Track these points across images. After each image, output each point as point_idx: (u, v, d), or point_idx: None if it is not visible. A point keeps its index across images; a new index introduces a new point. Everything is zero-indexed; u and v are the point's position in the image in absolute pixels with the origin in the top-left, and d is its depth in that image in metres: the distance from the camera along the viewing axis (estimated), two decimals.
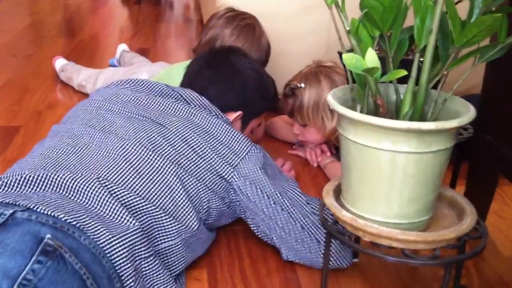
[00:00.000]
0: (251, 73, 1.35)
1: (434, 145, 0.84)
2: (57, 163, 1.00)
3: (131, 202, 0.97)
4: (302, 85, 1.52)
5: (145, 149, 1.07)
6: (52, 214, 0.83)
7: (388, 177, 0.86)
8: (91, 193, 0.94)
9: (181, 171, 1.08)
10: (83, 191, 0.94)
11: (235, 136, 1.16)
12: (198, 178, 1.10)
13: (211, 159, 1.12)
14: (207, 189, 1.11)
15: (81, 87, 2.12)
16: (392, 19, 0.89)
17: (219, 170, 1.12)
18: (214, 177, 1.12)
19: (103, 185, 0.96)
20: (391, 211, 0.89)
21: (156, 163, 1.06)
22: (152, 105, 1.21)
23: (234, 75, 1.33)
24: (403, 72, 0.82)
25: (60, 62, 2.31)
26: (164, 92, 1.26)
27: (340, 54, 1.26)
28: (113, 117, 1.16)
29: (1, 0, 4.03)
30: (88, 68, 2.22)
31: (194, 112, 1.19)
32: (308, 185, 1.52)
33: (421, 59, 0.90)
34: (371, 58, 0.84)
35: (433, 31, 0.86)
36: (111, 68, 2.09)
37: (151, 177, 1.04)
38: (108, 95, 1.24)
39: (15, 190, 0.93)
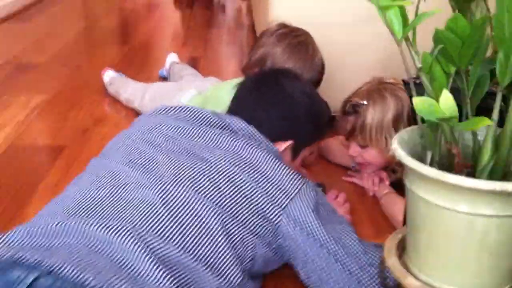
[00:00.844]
0: (304, 98, 1.23)
1: None
2: (90, 208, 0.92)
3: (168, 254, 0.87)
4: (365, 102, 1.39)
5: (185, 190, 0.97)
6: (79, 278, 0.74)
7: (464, 243, 0.74)
8: (125, 245, 0.85)
9: (224, 215, 0.97)
10: (116, 242, 0.86)
11: (285, 173, 1.05)
12: (243, 223, 0.99)
13: (258, 199, 1.01)
14: (252, 235, 1.00)
15: (129, 101, 2.05)
16: (472, 55, 0.76)
17: (266, 212, 1.01)
18: (260, 220, 1.01)
19: (139, 235, 0.87)
20: (465, 281, 0.76)
21: (197, 206, 0.96)
22: (196, 136, 1.11)
23: (285, 101, 1.22)
24: (486, 121, 0.69)
25: (109, 75, 2.25)
26: (210, 121, 1.16)
27: (404, 83, 1.13)
28: (153, 152, 1.07)
29: (55, 3, 4.06)
30: (136, 82, 2.16)
31: (241, 144, 1.08)
32: (364, 219, 1.39)
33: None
34: (448, 104, 0.71)
35: None
36: (159, 83, 2.02)
37: (190, 224, 0.94)
38: (150, 125, 1.15)
39: (44, 240, 0.86)
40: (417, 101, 0.71)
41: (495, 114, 0.77)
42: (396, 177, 1.45)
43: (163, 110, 1.21)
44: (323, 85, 1.55)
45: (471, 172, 0.81)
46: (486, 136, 0.77)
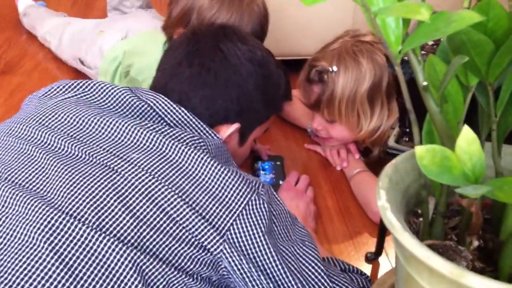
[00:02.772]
0: (252, 67, 0.93)
1: None
2: None
3: None
4: (335, 68, 1.09)
5: (83, 225, 0.69)
6: None
7: None
8: None
9: (142, 255, 0.70)
10: None
11: (227, 181, 0.78)
12: (169, 260, 0.72)
13: (191, 222, 0.74)
14: (183, 274, 0.74)
15: (45, 41, 1.68)
16: (509, 62, 0.47)
17: (202, 240, 0.74)
18: (194, 251, 0.74)
19: None
20: None
21: (101, 249, 0.68)
22: (104, 132, 0.81)
23: (227, 73, 0.91)
24: None
25: (24, 3, 1.85)
26: (126, 105, 0.86)
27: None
28: (42, 160, 0.77)
29: None
30: (56, 15, 1.77)
31: (167, 142, 0.79)
32: (330, 204, 1.14)
33: None
34: (471, 151, 0.43)
35: None
36: (79, 21, 1.65)
37: (92, 276, 0.67)
38: (41, 114, 0.84)
39: None
40: (422, 152, 0.43)
41: None
42: (370, 158, 1.18)
43: (61, 89, 0.89)
44: (279, 25, 1.24)
45: (491, 221, 0.55)
46: None
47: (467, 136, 0.44)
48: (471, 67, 0.47)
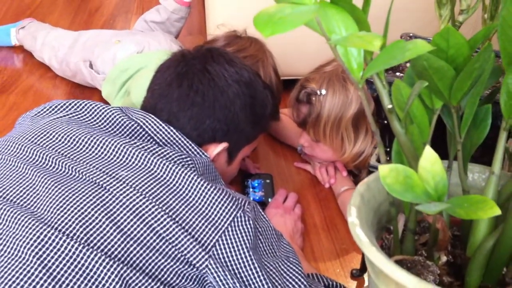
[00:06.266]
0: (239, 88, 0.96)
1: None
2: None
3: None
4: (323, 91, 1.12)
5: (71, 240, 0.71)
6: None
7: None
8: None
9: (129, 270, 0.72)
10: None
11: (214, 198, 0.80)
12: (156, 276, 0.74)
13: (177, 239, 0.76)
14: None
15: (52, 48, 1.64)
16: (470, 86, 0.50)
17: (188, 256, 0.76)
18: (180, 266, 0.76)
19: None
20: None
21: (89, 263, 0.70)
22: (94, 150, 0.84)
23: (214, 94, 0.94)
24: (494, 210, 0.45)
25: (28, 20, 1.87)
26: (116, 124, 0.89)
27: (367, 81, 0.86)
28: (32, 177, 0.80)
29: None
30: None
31: (155, 160, 0.82)
32: (315, 216, 1.16)
33: None
34: (434, 171, 0.46)
35: None
36: (95, 30, 1.66)
37: None
38: (33, 133, 0.87)
39: None
40: (385, 171, 0.45)
41: (496, 165, 0.53)
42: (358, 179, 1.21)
43: (54, 109, 0.92)
44: (273, 47, 1.28)
45: (461, 238, 0.58)
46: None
47: (429, 157, 0.46)
48: (435, 91, 0.50)
